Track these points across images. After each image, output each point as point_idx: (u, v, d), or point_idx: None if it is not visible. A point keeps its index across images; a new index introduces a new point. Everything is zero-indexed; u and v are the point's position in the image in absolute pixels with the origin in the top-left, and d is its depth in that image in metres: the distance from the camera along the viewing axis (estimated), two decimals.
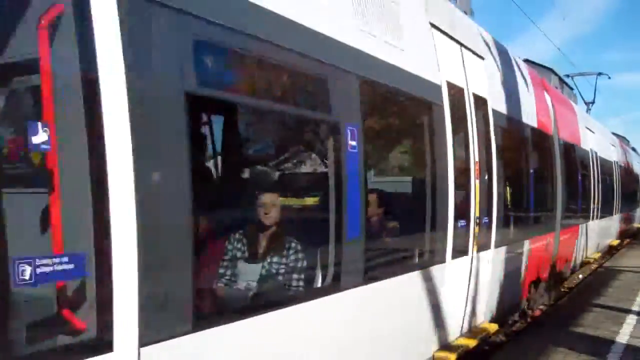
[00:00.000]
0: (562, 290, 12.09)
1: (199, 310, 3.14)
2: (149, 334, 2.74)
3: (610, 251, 18.22)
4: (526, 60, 9.46)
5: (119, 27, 2.66)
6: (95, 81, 2.59)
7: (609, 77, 22.07)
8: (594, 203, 14.01)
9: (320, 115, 4.45)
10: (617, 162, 18.70)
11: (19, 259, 2.27)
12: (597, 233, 14.81)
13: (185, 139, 3.01)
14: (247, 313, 3.50)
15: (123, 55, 2.67)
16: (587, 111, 19.63)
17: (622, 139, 25.42)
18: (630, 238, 23.37)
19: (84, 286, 2.59)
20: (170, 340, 2.88)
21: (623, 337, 7.58)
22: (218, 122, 5.66)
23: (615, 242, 18.96)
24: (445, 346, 6.00)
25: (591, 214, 13.77)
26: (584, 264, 14.08)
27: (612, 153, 18.19)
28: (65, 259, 2.43)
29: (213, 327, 3.15)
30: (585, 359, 6.71)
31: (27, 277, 2.29)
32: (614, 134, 21.93)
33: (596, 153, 14.74)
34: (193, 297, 3.03)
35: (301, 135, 5.76)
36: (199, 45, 3.22)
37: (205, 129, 5.61)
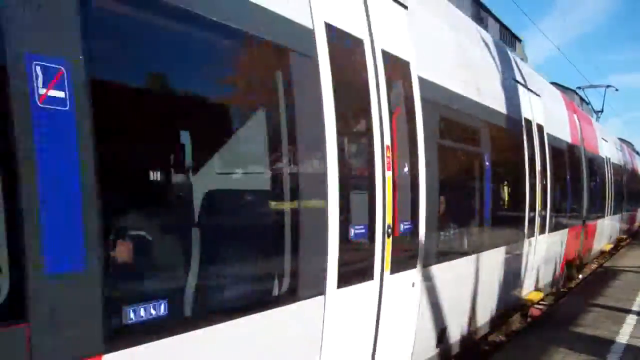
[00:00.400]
0: (562, 290, 12.11)
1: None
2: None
3: (618, 245, 20.59)
4: (553, 83, 11.52)
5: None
6: None
7: (617, 89, 24.77)
8: (607, 202, 16.40)
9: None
10: (624, 166, 21.36)
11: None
12: (610, 228, 17.43)
13: None
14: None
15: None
16: (597, 120, 22.06)
17: (628, 144, 28.17)
18: (632, 236, 24.12)
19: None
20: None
21: (623, 337, 7.58)
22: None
23: (623, 237, 21.68)
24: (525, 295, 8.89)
25: (605, 212, 16.19)
26: (600, 252, 16.86)
27: (621, 158, 20.75)
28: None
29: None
30: (585, 359, 6.71)
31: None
32: (620, 139, 24.28)
33: (609, 159, 17.36)
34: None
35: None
36: None
37: None
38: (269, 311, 3.47)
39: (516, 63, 9.12)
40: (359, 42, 4.40)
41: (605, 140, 17.11)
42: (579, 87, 21.51)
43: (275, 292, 3.64)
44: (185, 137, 3.61)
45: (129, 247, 2.91)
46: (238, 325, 3.23)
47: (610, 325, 8.16)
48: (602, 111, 23.99)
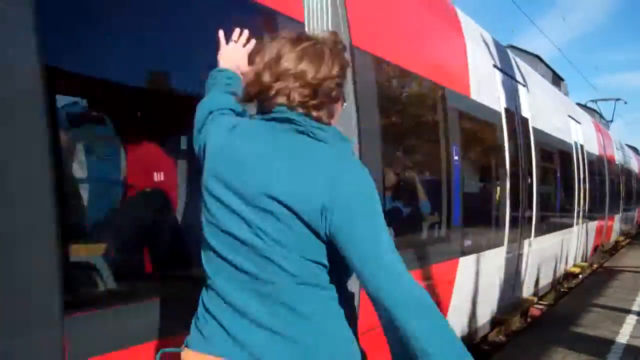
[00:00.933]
0: (562, 290, 12.12)
1: None
2: None
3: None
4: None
5: None
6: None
7: (625, 102, 29.89)
8: (621, 200, 19.73)
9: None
10: (634, 170, 25.13)
11: None
12: (623, 222, 20.82)
13: None
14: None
15: None
16: (608, 128, 25.67)
17: (635, 150, 31.70)
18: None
19: None
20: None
21: (623, 337, 7.57)
22: None
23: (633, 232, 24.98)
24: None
25: (620, 209, 19.38)
26: (616, 242, 19.73)
27: (630, 162, 24.59)
28: None
29: None
30: (585, 359, 6.70)
31: None
32: (627, 145, 27.92)
33: (622, 165, 21.23)
34: None
35: None
36: None
37: None
38: (495, 249, 7.00)
39: (568, 102, 13.44)
40: (513, 114, 7.86)
41: (618, 149, 21.27)
42: (592, 100, 27.42)
43: (499, 241, 7.15)
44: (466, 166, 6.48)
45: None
46: (488, 254, 6.68)
47: (610, 325, 8.16)
48: (612, 120, 28.78)
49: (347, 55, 1.95)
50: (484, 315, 7.01)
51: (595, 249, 15.40)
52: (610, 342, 7.31)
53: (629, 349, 7.05)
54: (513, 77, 8.19)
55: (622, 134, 61.84)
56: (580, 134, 12.75)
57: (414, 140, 5.70)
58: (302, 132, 1.83)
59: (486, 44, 7.38)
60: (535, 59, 12.23)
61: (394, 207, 4.93)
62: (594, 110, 26.20)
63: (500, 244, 7.17)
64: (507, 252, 7.38)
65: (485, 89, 6.78)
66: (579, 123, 12.95)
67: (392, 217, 4.77)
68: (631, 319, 8.57)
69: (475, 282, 6.37)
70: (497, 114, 7.09)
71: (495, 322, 7.54)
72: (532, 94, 9.10)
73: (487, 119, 6.89)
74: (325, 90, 1.84)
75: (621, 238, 21.31)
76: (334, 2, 3.93)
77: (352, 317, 1.89)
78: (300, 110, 1.84)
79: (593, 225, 14.24)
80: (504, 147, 7.27)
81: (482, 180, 7.23)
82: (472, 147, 6.69)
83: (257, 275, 1.78)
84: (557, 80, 12.41)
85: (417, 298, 1.70)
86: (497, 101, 7.12)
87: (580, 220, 12.52)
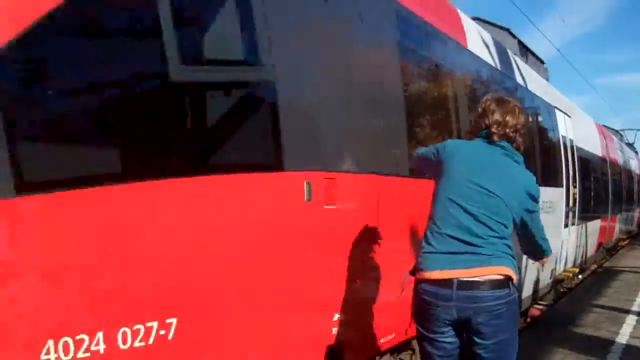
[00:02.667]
0: (562, 290, 12.12)
1: None
2: None
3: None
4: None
5: None
6: None
7: None
8: (622, 201, 20.37)
9: None
10: (635, 171, 26.26)
11: None
12: (624, 222, 21.55)
13: None
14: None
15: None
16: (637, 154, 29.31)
17: (631, 146, 33.06)
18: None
19: None
20: None
21: (623, 337, 7.58)
22: None
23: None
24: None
25: (621, 208, 20.23)
26: (618, 240, 20.65)
27: (634, 165, 26.17)
28: None
29: None
30: (585, 359, 6.71)
31: None
32: (627, 144, 29.92)
33: (633, 170, 24.28)
34: None
35: None
36: None
37: None
38: (597, 220, 14.23)
39: (590, 120, 16.02)
40: (559, 136, 10.65)
41: (621, 152, 23.27)
42: (622, 130, 30.43)
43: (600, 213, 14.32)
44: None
45: None
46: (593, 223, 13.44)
47: (610, 326, 8.16)
48: (634, 146, 31.70)
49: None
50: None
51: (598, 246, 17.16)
52: (610, 343, 7.31)
53: (628, 349, 7.05)
54: (566, 113, 11.44)
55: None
56: (608, 146, 17.16)
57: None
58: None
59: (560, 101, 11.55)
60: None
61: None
62: (619, 132, 28.36)
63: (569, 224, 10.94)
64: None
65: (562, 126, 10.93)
66: (609, 136, 17.66)
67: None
68: (631, 319, 8.58)
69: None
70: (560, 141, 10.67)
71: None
72: (575, 121, 12.22)
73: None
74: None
75: (623, 236, 22.34)
76: None
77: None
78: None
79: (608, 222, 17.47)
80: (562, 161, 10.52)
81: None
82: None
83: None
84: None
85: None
86: (561, 132, 10.82)
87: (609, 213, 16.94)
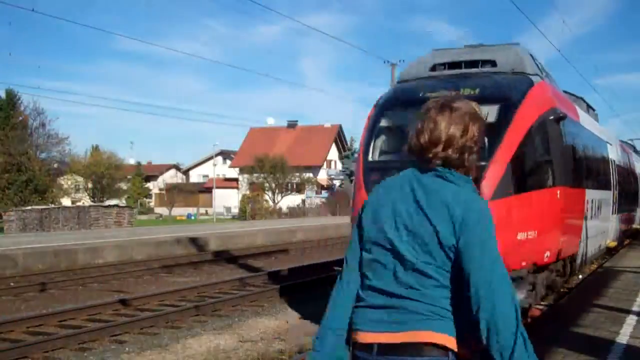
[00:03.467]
0: (562, 290, 12.12)
1: None
2: None
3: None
4: (567, 92, 14.99)
5: None
6: None
7: None
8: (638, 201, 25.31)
9: None
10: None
11: None
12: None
13: None
14: None
15: None
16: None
17: (630, 145, 34.26)
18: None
19: None
20: None
21: (623, 337, 7.57)
22: None
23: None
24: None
25: (638, 207, 24.20)
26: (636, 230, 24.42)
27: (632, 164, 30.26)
28: None
29: None
30: (585, 359, 6.71)
31: None
32: (626, 143, 31.47)
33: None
34: None
35: None
36: None
37: None
38: (627, 212, 20.16)
39: (618, 141, 20.32)
40: (609, 160, 16.46)
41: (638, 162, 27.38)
42: (631, 140, 33.21)
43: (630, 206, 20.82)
44: None
45: None
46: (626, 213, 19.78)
47: (610, 326, 8.16)
48: None
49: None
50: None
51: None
52: (610, 343, 7.31)
53: (628, 349, 7.05)
54: (610, 143, 16.71)
55: (622, 134, 62.12)
56: (635, 161, 23.45)
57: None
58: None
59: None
60: (580, 99, 16.60)
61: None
62: (589, 106, 30.03)
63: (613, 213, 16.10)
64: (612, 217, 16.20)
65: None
66: (610, 144, 19.82)
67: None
68: (631, 319, 8.57)
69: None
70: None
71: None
72: (614, 146, 17.80)
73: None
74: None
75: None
76: None
77: None
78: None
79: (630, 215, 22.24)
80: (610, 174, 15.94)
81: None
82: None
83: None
84: (591, 111, 17.73)
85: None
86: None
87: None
